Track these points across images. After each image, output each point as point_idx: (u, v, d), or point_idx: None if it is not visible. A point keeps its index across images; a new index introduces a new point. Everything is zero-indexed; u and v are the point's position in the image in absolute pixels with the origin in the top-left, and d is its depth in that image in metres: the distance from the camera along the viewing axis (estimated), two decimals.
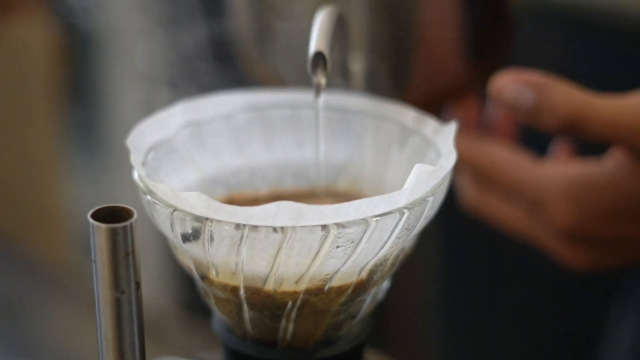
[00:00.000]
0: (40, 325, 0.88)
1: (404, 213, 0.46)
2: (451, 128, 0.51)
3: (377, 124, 0.54)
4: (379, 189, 0.54)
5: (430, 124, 0.53)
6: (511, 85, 0.61)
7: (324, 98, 0.55)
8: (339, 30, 0.55)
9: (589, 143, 0.63)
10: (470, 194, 0.70)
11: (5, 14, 1.32)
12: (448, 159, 0.49)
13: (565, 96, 0.60)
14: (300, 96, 0.56)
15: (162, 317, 0.83)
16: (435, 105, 0.72)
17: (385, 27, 0.68)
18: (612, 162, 0.62)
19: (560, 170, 0.64)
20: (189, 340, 0.79)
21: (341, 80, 0.65)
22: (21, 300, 0.92)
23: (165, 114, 0.53)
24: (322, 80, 0.51)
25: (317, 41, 0.51)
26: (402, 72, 0.70)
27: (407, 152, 0.53)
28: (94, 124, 1.72)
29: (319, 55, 0.50)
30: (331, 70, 0.51)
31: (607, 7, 1.10)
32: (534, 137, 0.72)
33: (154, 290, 1.45)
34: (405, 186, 0.46)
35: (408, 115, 0.54)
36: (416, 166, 0.46)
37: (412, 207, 0.46)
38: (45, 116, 1.40)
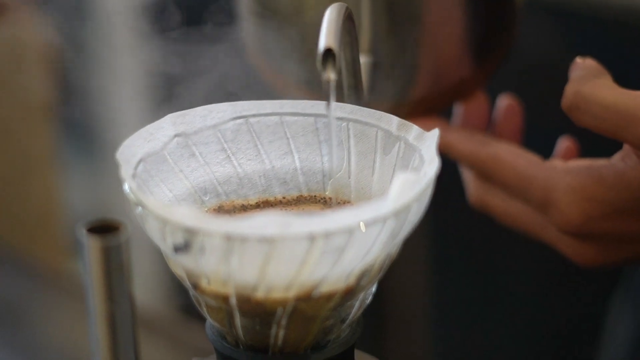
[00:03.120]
0: (37, 329, 0.89)
1: (387, 221, 0.47)
2: (434, 134, 0.52)
3: (362, 130, 0.55)
4: (365, 195, 0.55)
5: (414, 130, 0.54)
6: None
7: (312, 105, 0.56)
8: (348, 27, 0.55)
9: (593, 146, 0.63)
10: (476, 190, 0.70)
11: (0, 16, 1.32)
12: (431, 165, 0.50)
13: (579, 75, 0.60)
14: (287, 104, 0.57)
15: (159, 321, 0.84)
16: (441, 103, 0.73)
17: (388, 24, 0.69)
18: (622, 159, 0.62)
19: (569, 167, 0.64)
20: (185, 344, 0.79)
21: (350, 80, 0.66)
22: (19, 304, 0.93)
23: (154, 126, 0.54)
24: (331, 76, 0.52)
25: (326, 37, 0.51)
26: (407, 70, 0.71)
27: (393, 158, 0.54)
28: (91, 126, 1.73)
29: (328, 51, 0.51)
30: (340, 68, 0.52)
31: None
32: (538, 139, 0.73)
33: (149, 293, 1.46)
34: (389, 194, 0.47)
35: (392, 121, 0.55)
36: (399, 174, 0.47)
37: (396, 215, 0.47)
38: (41, 119, 1.40)
